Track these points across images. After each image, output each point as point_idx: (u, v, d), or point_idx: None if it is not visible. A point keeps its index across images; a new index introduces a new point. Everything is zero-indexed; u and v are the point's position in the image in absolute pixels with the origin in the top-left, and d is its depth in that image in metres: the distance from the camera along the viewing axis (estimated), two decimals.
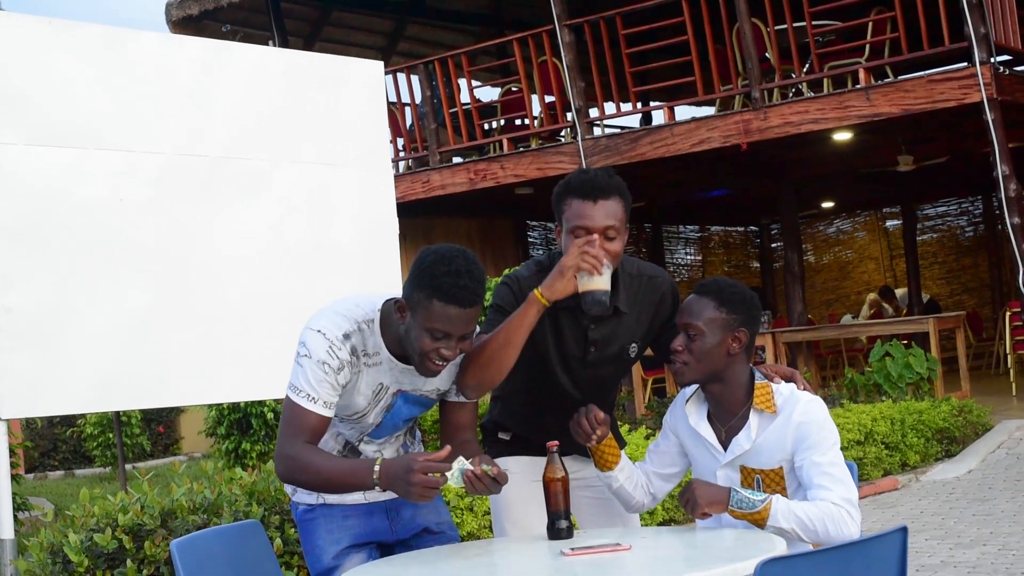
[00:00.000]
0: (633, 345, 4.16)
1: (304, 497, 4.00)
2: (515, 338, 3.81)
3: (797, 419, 3.80)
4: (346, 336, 3.71)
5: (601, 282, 3.82)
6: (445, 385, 3.92)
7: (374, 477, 3.55)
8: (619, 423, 10.78)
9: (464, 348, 3.67)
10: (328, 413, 3.71)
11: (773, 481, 3.84)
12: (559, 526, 3.71)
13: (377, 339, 3.76)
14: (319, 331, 3.70)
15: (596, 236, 3.84)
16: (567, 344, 4.07)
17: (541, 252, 19.22)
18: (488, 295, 6.01)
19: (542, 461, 3.82)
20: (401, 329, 3.67)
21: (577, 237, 3.88)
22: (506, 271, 4.40)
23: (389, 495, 3.97)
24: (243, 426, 13.20)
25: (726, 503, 3.68)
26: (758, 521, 3.65)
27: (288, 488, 4.08)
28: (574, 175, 4.02)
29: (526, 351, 3.94)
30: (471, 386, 3.87)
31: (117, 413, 8.76)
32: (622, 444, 4.42)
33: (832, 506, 3.69)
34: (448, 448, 3.54)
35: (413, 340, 3.63)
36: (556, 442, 3.74)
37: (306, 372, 3.68)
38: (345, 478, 3.65)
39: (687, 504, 3.71)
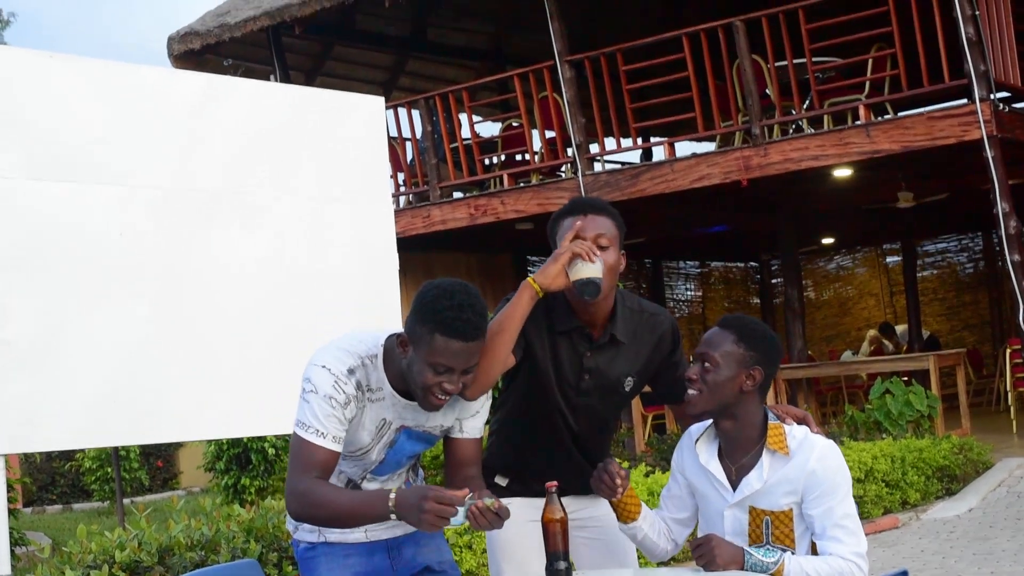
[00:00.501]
0: (629, 379, 4.18)
1: (305, 535, 3.98)
2: (508, 325, 3.85)
3: (813, 465, 3.79)
4: (350, 371, 3.72)
5: (593, 270, 3.88)
6: (449, 421, 3.91)
7: (390, 505, 3.52)
8: (619, 460, 10.77)
9: (467, 382, 3.67)
10: (337, 448, 3.70)
11: (782, 523, 3.82)
12: (558, 567, 3.69)
13: (380, 374, 3.77)
14: (324, 367, 3.70)
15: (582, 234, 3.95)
16: (563, 370, 4.09)
17: None
18: None
19: (539, 502, 3.81)
20: (403, 363, 3.67)
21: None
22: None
23: (390, 533, 3.98)
24: (242, 461, 13.18)
25: (742, 564, 3.68)
26: None
27: (290, 526, 4.06)
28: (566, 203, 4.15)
29: (526, 374, 3.96)
30: None
31: (115, 448, 8.72)
32: None
33: (843, 562, 3.71)
34: (466, 490, 3.52)
35: (416, 374, 3.62)
36: (555, 483, 3.73)
37: (313, 408, 3.67)
38: (360, 509, 3.63)
39: (702, 559, 3.69)
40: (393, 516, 3.55)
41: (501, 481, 4.27)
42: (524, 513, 4.13)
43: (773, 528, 3.83)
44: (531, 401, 4.13)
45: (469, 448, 3.97)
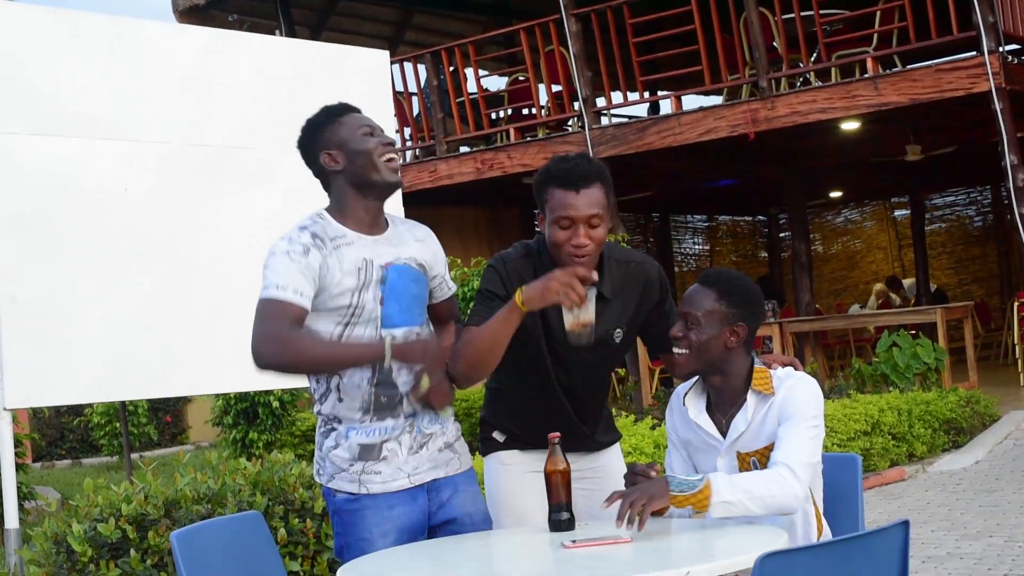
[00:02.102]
0: (618, 331, 4.13)
1: (344, 484, 3.89)
2: (500, 339, 3.87)
3: (784, 392, 3.78)
4: (302, 228, 3.84)
5: (585, 315, 3.82)
6: (422, 256, 4.02)
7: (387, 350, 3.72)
8: (626, 413, 10.80)
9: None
10: (300, 301, 3.72)
11: (768, 460, 3.79)
12: (560, 518, 3.69)
13: (336, 225, 3.87)
14: (278, 241, 3.85)
15: (586, 280, 3.78)
16: (552, 326, 4.04)
17: None
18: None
19: (537, 453, 3.82)
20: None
21: (562, 228, 3.87)
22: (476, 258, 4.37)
23: (432, 475, 3.94)
24: (250, 416, 13.23)
25: (667, 491, 3.53)
26: (703, 502, 3.52)
27: (324, 476, 3.95)
28: (553, 163, 3.98)
29: (518, 334, 3.94)
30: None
31: (123, 402, 8.75)
32: (618, 436, 4.40)
33: (772, 471, 3.64)
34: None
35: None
36: (558, 434, 3.73)
37: (272, 269, 3.76)
38: (351, 352, 3.80)
39: (634, 509, 3.48)
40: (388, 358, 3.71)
41: (499, 437, 4.26)
42: (521, 464, 4.13)
43: (760, 467, 3.79)
44: (523, 361, 4.08)
45: (448, 305, 4.20)
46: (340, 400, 3.87)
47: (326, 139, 3.92)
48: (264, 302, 3.72)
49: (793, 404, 3.76)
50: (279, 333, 3.66)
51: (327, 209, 3.95)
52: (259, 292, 3.74)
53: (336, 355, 3.78)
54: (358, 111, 4.01)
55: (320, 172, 3.98)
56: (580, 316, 3.80)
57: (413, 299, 3.97)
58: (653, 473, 3.68)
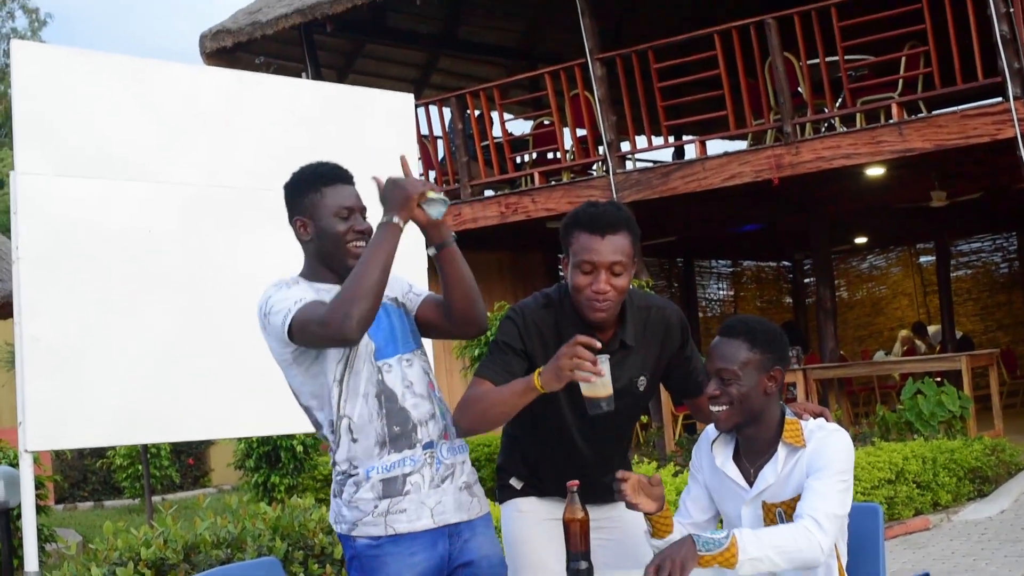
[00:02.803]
0: (641, 378, 4.10)
1: (369, 528, 3.84)
2: (510, 411, 3.85)
3: (815, 445, 3.75)
4: (285, 280, 3.94)
5: (601, 388, 3.67)
6: (392, 294, 4.02)
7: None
8: (648, 460, 10.74)
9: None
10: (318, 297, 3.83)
11: (793, 510, 3.75)
12: (579, 567, 3.65)
13: (309, 283, 3.93)
14: (265, 292, 3.93)
15: (590, 346, 3.63)
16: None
17: None
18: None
19: (553, 501, 3.78)
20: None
21: (584, 272, 3.87)
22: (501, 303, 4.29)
23: (457, 516, 3.92)
24: (272, 459, 13.22)
25: (695, 545, 3.51)
26: (730, 560, 3.48)
27: (344, 525, 3.89)
28: (582, 208, 3.98)
29: None
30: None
31: (144, 445, 8.74)
32: None
33: (797, 524, 3.60)
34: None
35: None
36: (576, 482, 3.68)
37: (274, 305, 3.84)
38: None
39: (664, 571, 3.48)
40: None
41: (516, 484, 4.22)
42: (538, 512, 4.10)
43: (786, 518, 3.76)
44: (540, 414, 4.02)
45: (431, 299, 4.11)
46: (355, 441, 3.84)
47: (304, 204, 4.01)
48: (299, 316, 3.76)
49: (824, 456, 3.73)
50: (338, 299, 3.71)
51: (300, 275, 4.02)
52: (281, 321, 3.80)
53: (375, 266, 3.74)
54: (349, 182, 4.09)
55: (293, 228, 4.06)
56: (597, 389, 3.66)
57: (397, 330, 3.99)
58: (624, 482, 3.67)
